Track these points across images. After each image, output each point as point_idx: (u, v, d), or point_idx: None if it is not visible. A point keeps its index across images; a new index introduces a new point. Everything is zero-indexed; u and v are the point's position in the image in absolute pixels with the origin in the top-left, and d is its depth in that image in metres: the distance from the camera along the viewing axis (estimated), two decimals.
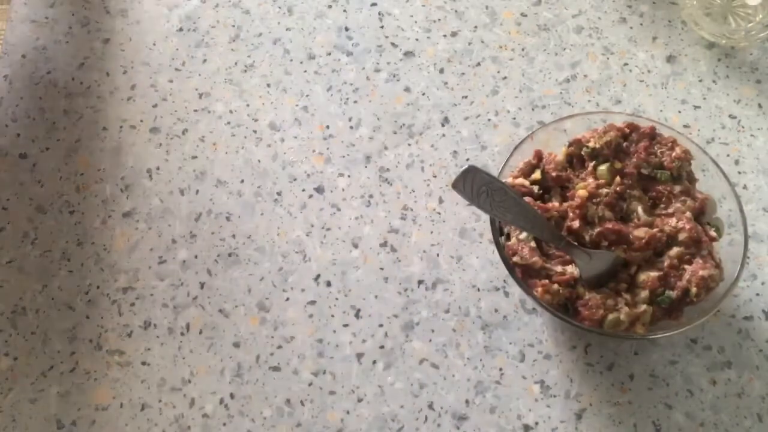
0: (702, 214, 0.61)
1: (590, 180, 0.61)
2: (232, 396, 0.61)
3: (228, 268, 0.66)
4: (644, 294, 0.58)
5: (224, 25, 0.79)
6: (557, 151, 0.64)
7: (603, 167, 0.61)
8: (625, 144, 0.63)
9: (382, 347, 0.63)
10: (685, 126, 0.72)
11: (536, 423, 0.60)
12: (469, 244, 0.67)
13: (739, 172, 0.70)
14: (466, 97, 0.74)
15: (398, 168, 0.71)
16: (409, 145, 0.72)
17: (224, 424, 0.60)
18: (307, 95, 0.75)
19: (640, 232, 0.59)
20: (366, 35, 0.78)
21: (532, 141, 0.63)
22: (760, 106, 0.73)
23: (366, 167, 0.71)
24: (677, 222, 0.59)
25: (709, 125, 0.72)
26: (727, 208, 0.60)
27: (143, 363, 0.62)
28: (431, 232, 0.68)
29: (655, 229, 0.59)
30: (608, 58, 0.76)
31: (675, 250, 0.58)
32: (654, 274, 0.58)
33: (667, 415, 0.60)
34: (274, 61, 0.77)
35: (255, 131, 0.73)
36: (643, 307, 0.57)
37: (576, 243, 0.59)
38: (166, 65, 0.76)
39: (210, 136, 0.72)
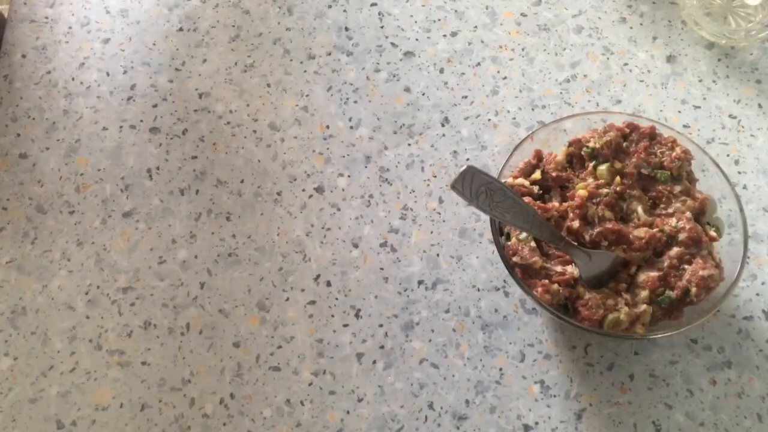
0: (702, 214, 0.61)
1: (590, 180, 0.61)
2: (232, 396, 0.61)
3: (228, 268, 0.66)
4: (644, 294, 0.58)
5: (224, 25, 0.79)
6: (557, 151, 0.64)
7: (603, 167, 0.61)
8: (625, 144, 0.63)
9: (382, 347, 0.63)
10: (685, 126, 0.72)
11: (536, 423, 0.60)
12: (469, 244, 0.67)
13: (739, 172, 0.70)
14: (466, 97, 0.74)
15: (398, 168, 0.71)
16: (409, 145, 0.72)
17: (224, 424, 0.60)
18: (307, 95, 0.75)
19: (640, 232, 0.59)
20: (366, 35, 0.78)
21: (532, 141, 0.63)
22: (760, 106, 0.73)
23: (366, 167, 0.71)
24: (677, 222, 0.59)
25: (709, 125, 0.72)
26: (727, 208, 0.60)
27: (143, 363, 0.62)
28: (431, 232, 0.68)
29: (655, 229, 0.59)
30: (608, 58, 0.76)
31: (675, 250, 0.58)
32: (654, 274, 0.58)
33: (667, 415, 0.60)
34: (274, 61, 0.77)
35: (255, 131, 0.73)
36: (643, 307, 0.57)
37: (576, 243, 0.59)
38: (166, 65, 0.76)
39: (210, 136, 0.73)
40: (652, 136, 0.62)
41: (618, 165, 0.62)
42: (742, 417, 0.60)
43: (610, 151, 0.62)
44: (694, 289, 0.57)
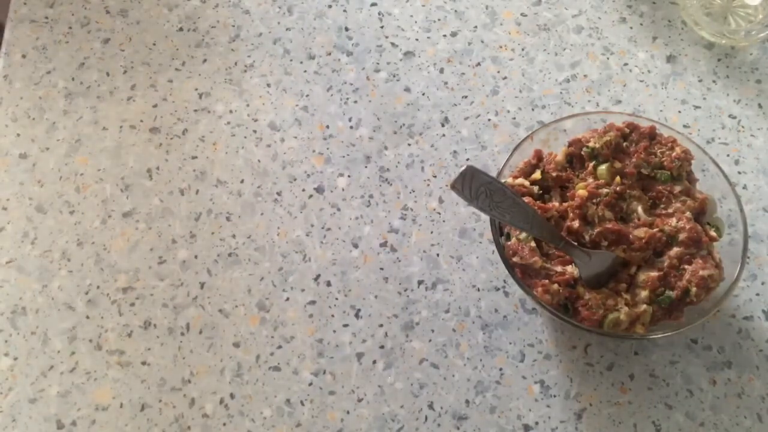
0: (702, 214, 0.61)
1: (590, 180, 0.61)
2: (232, 396, 0.61)
3: (228, 268, 0.66)
4: (644, 294, 0.58)
5: (224, 25, 0.79)
6: (557, 151, 0.64)
7: (603, 167, 0.61)
8: (625, 144, 0.63)
9: (382, 347, 0.63)
10: (685, 126, 0.72)
11: (536, 423, 0.60)
12: (469, 244, 0.67)
13: (739, 172, 0.70)
14: (466, 97, 0.74)
15: (398, 168, 0.71)
16: (409, 145, 0.72)
17: (224, 424, 0.60)
18: (307, 95, 0.75)
19: (640, 232, 0.59)
20: (366, 35, 0.78)
21: (532, 141, 0.63)
22: (760, 106, 0.73)
23: (366, 167, 0.71)
24: (677, 222, 0.59)
25: (709, 125, 0.72)
26: (727, 208, 0.60)
27: (143, 363, 0.62)
28: (431, 232, 0.68)
29: (655, 229, 0.59)
30: (608, 58, 0.76)
31: (675, 250, 0.58)
32: (654, 274, 0.58)
33: (667, 415, 0.60)
34: (274, 61, 0.77)
35: (255, 131, 0.73)
36: (643, 307, 0.57)
37: (576, 243, 0.59)
38: (166, 65, 0.76)
39: (210, 136, 0.73)
40: (652, 136, 0.62)
41: (618, 165, 0.62)
42: (742, 417, 0.60)
43: (610, 151, 0.62)
44: (694, 289, 0.57)
